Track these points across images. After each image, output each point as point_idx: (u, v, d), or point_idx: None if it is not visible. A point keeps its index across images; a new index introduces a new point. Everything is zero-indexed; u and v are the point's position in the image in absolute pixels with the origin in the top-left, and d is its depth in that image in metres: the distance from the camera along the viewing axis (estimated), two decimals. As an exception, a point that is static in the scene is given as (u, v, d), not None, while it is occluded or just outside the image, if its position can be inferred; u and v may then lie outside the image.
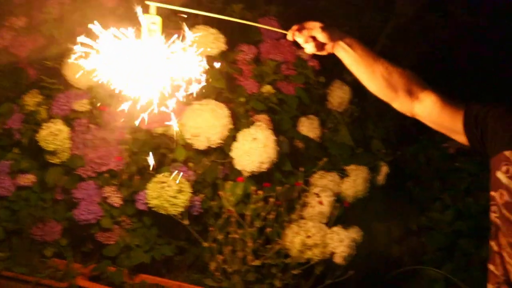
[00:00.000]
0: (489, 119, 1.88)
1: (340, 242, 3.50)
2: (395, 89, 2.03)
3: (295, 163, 3.76)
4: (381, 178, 4.14)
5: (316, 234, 3.47)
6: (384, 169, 4.16)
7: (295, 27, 2.02)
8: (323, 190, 3.65)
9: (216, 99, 3.56)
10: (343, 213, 3.68)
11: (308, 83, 4.16)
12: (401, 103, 2.05)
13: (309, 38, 1.99)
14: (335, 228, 3.57)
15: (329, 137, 4.18)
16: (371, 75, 2.04)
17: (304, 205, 3.61)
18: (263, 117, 3.75)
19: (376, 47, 5.37)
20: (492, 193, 1.91)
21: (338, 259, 3.52)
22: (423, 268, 4.10)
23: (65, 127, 3.37)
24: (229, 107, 3.55)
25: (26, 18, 3.94)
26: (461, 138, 1.97)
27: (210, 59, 3.39)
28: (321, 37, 1.97)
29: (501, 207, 1.86)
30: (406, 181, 4.53)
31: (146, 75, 1.89)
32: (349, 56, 2.01)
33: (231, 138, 3.51)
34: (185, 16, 1.99)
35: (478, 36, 5.89)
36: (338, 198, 3.76)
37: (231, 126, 3.51)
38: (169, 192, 3.24)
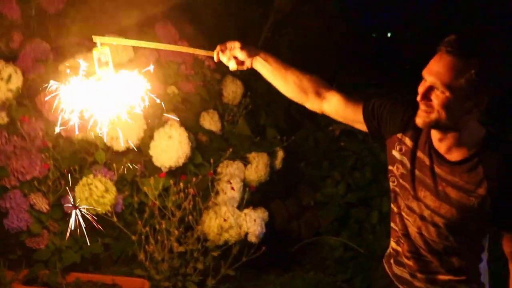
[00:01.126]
0: (382, 110, 2.34)
1: (253, 223, 4.06)
2: (306, 92, 2.46)
3: (203, 155, 4.25)
4: (278, 162, 4.74)
5: (230, 218, 4.00)
6: (280, 154, 4.76)
7: (218, 48, 2.42)
8: (232, 177, 4.18)
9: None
10: (251, 197, 4.22)
11: (205, 81, 4.66)
12: (312, 104, 2.49)
13: (231, 57, 2.41)
14: (246, 211, 4.11)
15: (229, 129, 4.72)
16: (285, 83, 2.46)
17: (217, 192, 4.12)
18: (172, 115, 4.19)
19: (259, 40, 5.99)
20: (390, 167, 2.34)
21: (252, 238, 4.07)
22: (324, 237, 4.74)
23: (-12, 140, 3.61)
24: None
25: None
26: (362, 126, 2.42)
27: (120, 66, 3.86)
28: (241, 55, 2.40)
29: (398, 177, 2.30)
30: (300, 163, 5.14)
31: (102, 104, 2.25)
32: (265, 69, 2.45)
33: (147, 138, 3.94)
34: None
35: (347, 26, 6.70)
36: (245, 184, 4.32)
37: (145, 127, 3.94)
38: (97, 192, 3.61)
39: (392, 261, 2.50)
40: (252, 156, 4.53)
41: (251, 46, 2.45)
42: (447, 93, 1.98)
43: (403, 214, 2.33)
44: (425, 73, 2.04)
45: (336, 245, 4.65)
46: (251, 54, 2.43)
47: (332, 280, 4.41)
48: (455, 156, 2.13)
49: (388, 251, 2.56)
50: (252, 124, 4.85)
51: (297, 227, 4.96)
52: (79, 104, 2.19)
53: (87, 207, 3.61)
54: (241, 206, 4.18)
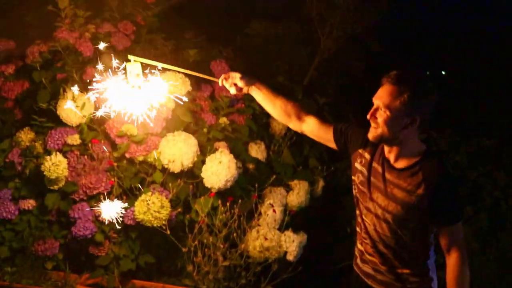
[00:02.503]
0: (348, 131, 2.99)
1: (291, 243, 4.52)
2: (289, 115, 3.11)
3: (249, 180, 4.75)
4: (318, 190, 5.20)
5: (271, 238, 4.48)
6: (321, 183, 5.22)
7: (222, 76, 3.14)
8: (274, 201, 4.66)
9: (185, 130, 4.52)
10: (290, 220, 4.69)
11: (254, 114, 5.18)
12: (293, 125, 3.14)
13: (232, 84, 3.12)
14: (286, 232, 4.58)
15: (274, 158, 5.21)
16: (273, 107, 3.14)
17: (260, 214, 4.61)
18: (222, 143, 4.73)
19: (306, 78, 6.50)
20: (353, 177, 2.98)
21: (290, 257, 4.53)
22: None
23: (63, 159, 4.20)
24: (195, 137, 4.52)
25: (14, 66, 4.76)
26: (331, 144, 3.06)
27: (179, 98, 4.45)
28: (240, 83, 3.10)
29: (358, 185, 2.92)
30: (337, 192, 5.56)
31: (133, 103, 3.00)
32: (258, 95, 3.14)
33: (199, 162, 4.47)
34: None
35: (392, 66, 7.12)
36: (286, 208, 4.79)
37: (198, 153, 4.48)
38: (153, 208, 4.15)
39: (358, 260, 3.11)
40: (294, 183, 4.99)
41: (250, 77, 3.12)
42: (387, 112, 2.63)
43: (363, 215, 2.94)
44: (373, 98, 2.70)
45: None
46: (248, 83, 3.11)
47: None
48: (401, 164, 2.76)
49: (355, 254, 3.17)
50: (295, 154, 5.31)
51: (334, 251, 5.36)
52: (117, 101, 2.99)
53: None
54: (281, 228, 4.64)
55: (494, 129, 6.64)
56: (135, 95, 2.98)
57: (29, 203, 4.30)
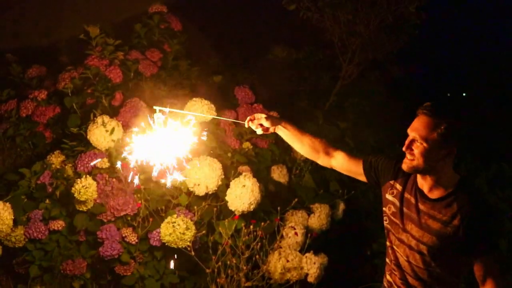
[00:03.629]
0: (378, 163, 2.97)
1: (313, 265, 4.61)
2: (317, 151, 3.13)
3: (272, 203, 4.87)
4: (339, 213, 5.29)
5: (293, 259, 4.58)
6: (341, 206, 5.31)
7: (248, 118, 3.14)
8: (296, 224, 4.77)
9: (210, 155, 4.66)
10: (312, 242, 4.78)
11: (277, 138, 5.29)
12: (322, 161, 3.16)
13: (258, 125, 3.12)
14: (307, 254, 4.68)
15: (296, 182, 5.32)
16: (301, 145, 3.15)
17: (282, 236, 4.71)
18: (246, 167, 4.86)
19: (327, 103, 6.62)
20: (384, 208, 2.93)
21: (311, 279, 4.62)
22: (378, 284, 5.16)
23: (93, 181, 4.36)
24: (219, 161, 4.65)
25: (46, 91, 4.96)
26: (363, 178, 3.05)
27: (204, 124, 4.59)
28: (266, 124, 3.10)
29: (390, 216, 2.88)
30: (359, 215, 5.65)
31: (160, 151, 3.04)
32: (285, 134, 3.14)
33: (224, 185, 4.60)
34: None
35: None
36: (307, 231, 4.89)
37: (223, 176, 4.61)
38: (179, 230, 4.28)
39: None
40: (316, 206, 5.10)
41: (274, 117, 3.15)
42: (424, 144, 2.62)
43: (394, 247, 2.89)
44: (409, 130, 2.67)
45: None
46: (274, 123, 3.11)
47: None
48: (435, 194, 2.73)
49: (383, 285, 3.07)
50: (317, 178, 5.42)
51: (354, 273, 5.43)
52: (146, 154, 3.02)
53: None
54: (303, 250, 4.74)
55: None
56: (161, 144, 3.04)
57: (59, 224, 4.45)
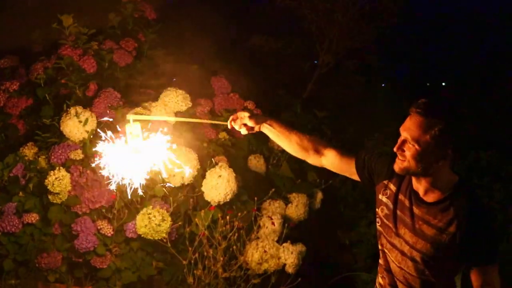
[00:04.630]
0: (371, 161, 2.75)
1: (290, 255, 4.58)
2: (307, 150, 2.89)
3: (249, 194, 4.82)
4: (317, 202, 5.27)
5: (270, 249, 4.55)
6: (319, 195, 5.29)
7: (230, 118, 2.90)
8: (273, 214, 4.73)
9: (186, 145, 4.60)
10: (289, 232, 4.74)
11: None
12: (312, 160, 2.92)
13: (242, 125, 2.87)
14: (285, 244, 4.63)
15: (273, 172, 5.29)
16: (289, 143, 2.91)
17: (259, 226, 4.67)
18: (222, 158, 4.82)
19: (306, 91, 6.60)
20: (377, 209, 2.72)
21: (289, 269, 4.58)
22: (357, 273, 5.18)
23: (66, 173, 4.29)
24: (195, 151, 4.59)
25: (18, 82, 4.86)
26: (355, 176, 2.82)
27: (179, 114, 4.53)
28: (250, 123, 2.85)
29: (382, 218, 2.67)
30: (338, 204, 5.64)
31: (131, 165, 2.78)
32: (271, 133, 2.91)
33: (200, 176, 4.55)
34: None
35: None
36: (285, 220, 4.86)
37: (198, 166, 4.56)
38: (154, 221, 4.23)
39: None
40: (293, 196, 5.07)
41: (258, 115, 2.95)
42: (416, 146, 2.41)
43: (386, 250, 2.70)
44: (401, 129, 2.47)
45: (368, 280, 5.08)
46: (258, 122, 2.87)
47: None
48: (431, 197, 2.53)
49: (376, 286, 2.92)
50: (294, 167, 5.38)
51: (333, 262, 5.43)
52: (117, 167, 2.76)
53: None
54: (280, 240, 4.70)
55: (490, 141, 6.70)
56: (135, 158, 2.78)
57: (33, 217, 4.37)
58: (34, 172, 4.41)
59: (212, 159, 4.72)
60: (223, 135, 4.95)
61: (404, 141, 2.46)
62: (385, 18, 6.47)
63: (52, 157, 4.44)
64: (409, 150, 2.45)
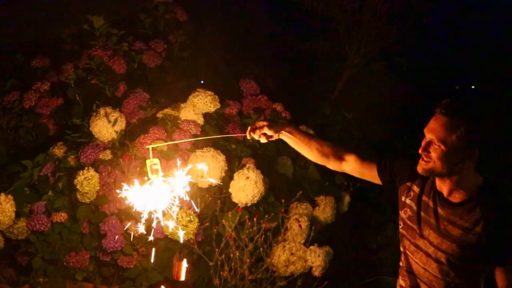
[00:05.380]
0: (394, 165, 2.72)
1: (317, 258, 4.53)
2: (327, 156, 2.89)
3: (276, 196, 4.78)
4: (345, 205, 5.21)
5: (297, 252, 4.50)
6: (347, 199, 5.23)
7: (249, 128, 2.91)
8: (300, 216, 4.69)
9: (214, 146, 4.58)
10: (317, 235, 4.70)
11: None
12: (333, 165, 2.92)
13: (261, 135, 2.89)
14: (312, 247, 4.58)
15: (300, 174, 5.23)
16: (309, 150, 2.91)
17: (286, 229, 4.63)
18: (250, 159, 4.78)
19: (334, 93, 6.54)
20: (400, 212, 2.68)
21: (315, 272, 4.53)
22: (383, 277, 5.10)
23: (95, 173, 4.29)
24: (223, 153, 4.57)
25: (49, 82, 4.89)
26: (377, 180, 2.79)
27: (208, 114, 4.51)
28: (269, 132, 2.87)
29: (406, 220, 2.64)
30: (366, 208, 5.57)
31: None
32: (290, 140, 2.92)
33: (227, 177, 4.53)
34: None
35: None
36: (312, 223, 4.80)
37: (226, 168, 4.53)
38: (182, 222, 4.21)
39: None
40: (321, 199, 5.01)
41: (277, 123, 2.93)
42: (442, 147, 2.39)
43: (408, 253, 2.67)
44: (425, 130, 2.45)
45: (394, 284, 5.00)
46: (277, 130, 2.89)
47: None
48: (456, 198, 2.51)
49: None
50: (322, 170, 5.31)
51: (359, 266, 5.36)
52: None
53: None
54: (307, 243, 4.65)
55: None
56: (156, 191, 2.79)
57: (61, 216, 4.39)
58: (63, 171, 4.42)
59: (241, 160, 4.70)
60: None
61: (430, 143, 2.44)
62: (412, 19, 6.39)
63: (82, 156, 4.45)
64: (435, 151, 2.42)
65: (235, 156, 4.75)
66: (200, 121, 4.64)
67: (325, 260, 4.56)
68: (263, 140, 2.91)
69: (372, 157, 2.84)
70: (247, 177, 4.43)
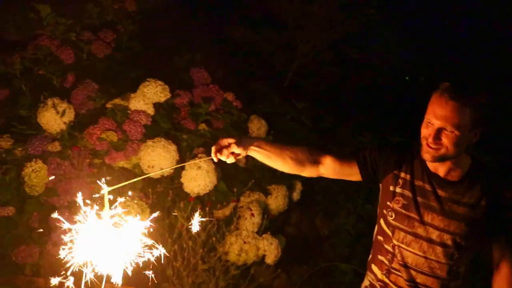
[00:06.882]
0: (374, 156, 2.64)
1: (270, 246, 4.51)
2: (302, 163, 2.66)
3: (228, 185, 4.73)
4: (296, 194, 5.19)
5: (250, 241, 4.47)
6: (299, 187, 5.21)
7: (214, 149, 2.55)
8: (253, 205, 4.65)
9: (165, 136, 4.49)
10: (269, 224, 4.68)
11: (233, 119, 5.15)
12: (309, 171, 2.70)
13: (229, 155, 2.55)
14: (264, 235, 4.57)
15: (253, 163, 5.18)
16: (282, 161, 2.65)
17: (239, 218, 4.59)
18: (201, 149, 4.71)
19: (285, 82, 6.51)
20: (388, 203, 2.59)
21: (269, 260, 4.52)
22: (336, 264, 5.11)
23: (44, 165, 4.16)
24: (174, 143, 4.49)
25: (-7, 73, 4.71)
26: (356, 177, 2.69)
27: (159, 104, 4.42)
28: (238, 150, 2.54)
29: (400, 210, 2.55)
30: (317, 195, 5.56)
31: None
32: (260, 155, 2.65)
33: (179, 167, 4.45)
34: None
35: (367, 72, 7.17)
36: (265, 212, 4.78)
37: (178, 158, 4.45)
38: (133, 213, 4.11)
39: None
40: (273, 187, 4.98)
41: (244, 139, 2.62)
42: (456, 132, 2.36)
43: (403, 245, 2.58)
44: (432, 118, 2.39)
45: (347, 270, 5.03)
46: (246, 147, 2.58)
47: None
48: (454, 176, 2.52)
49: (366, 283, 2.80)
50: (274, 159, 5.29)
51: (313, 253, 5.37)
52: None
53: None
54: (260, 232, 4.63)
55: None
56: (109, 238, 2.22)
57: (9, 210, 4.23)
58: (10, 164, 4.26)
59: (192, 150, 4.62)
60: (202, 126, 4.84)
61: (440, 130, 2.39)
62: (363, 11, 6.40)
63: (29, 148, 4.29)
64: (447, 137, 2.39)
65: (186, 146, 4.66)
66: (150, 111, 4.54)
67: (277, 248, 4.55)
68: (230, 160, 2.59)
69: (348, 154, 2.73)
70: (199, 167, 4.37)
